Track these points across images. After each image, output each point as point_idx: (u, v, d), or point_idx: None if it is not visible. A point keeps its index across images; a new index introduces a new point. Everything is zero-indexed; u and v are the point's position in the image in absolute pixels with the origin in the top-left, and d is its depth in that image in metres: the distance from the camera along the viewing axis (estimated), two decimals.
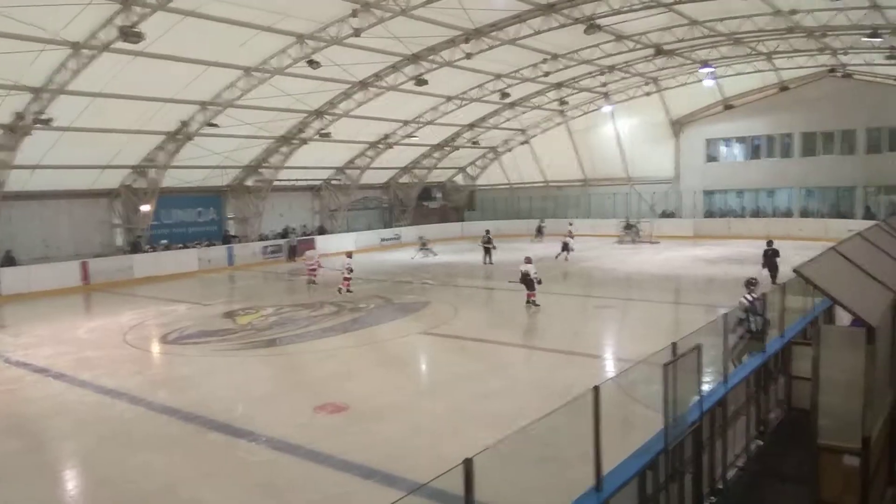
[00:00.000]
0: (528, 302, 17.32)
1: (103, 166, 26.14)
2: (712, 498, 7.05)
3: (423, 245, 32.37)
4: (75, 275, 24.77)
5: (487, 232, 29.62)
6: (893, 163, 31.20)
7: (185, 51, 20.24)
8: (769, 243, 19.48)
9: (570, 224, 32.69)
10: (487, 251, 28.39)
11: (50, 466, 8.72)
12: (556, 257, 27.46)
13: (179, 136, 25.84)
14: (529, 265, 17.40)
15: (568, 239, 28.68)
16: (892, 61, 25.22)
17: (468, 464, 4.55)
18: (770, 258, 19.15)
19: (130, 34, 16.85)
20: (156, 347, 15.60)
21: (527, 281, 17.27)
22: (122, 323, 17.97)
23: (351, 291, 20.68)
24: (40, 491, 7.91)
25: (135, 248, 27.70)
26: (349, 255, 22.36)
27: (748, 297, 9.54)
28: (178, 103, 23.98)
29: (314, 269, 23.56)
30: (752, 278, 10.37)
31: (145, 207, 27.77)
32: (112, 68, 19.88)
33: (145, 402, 10.90)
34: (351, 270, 21.24)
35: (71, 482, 8.49)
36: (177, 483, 7.81)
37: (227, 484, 7.84)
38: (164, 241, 29.55)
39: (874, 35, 21.73)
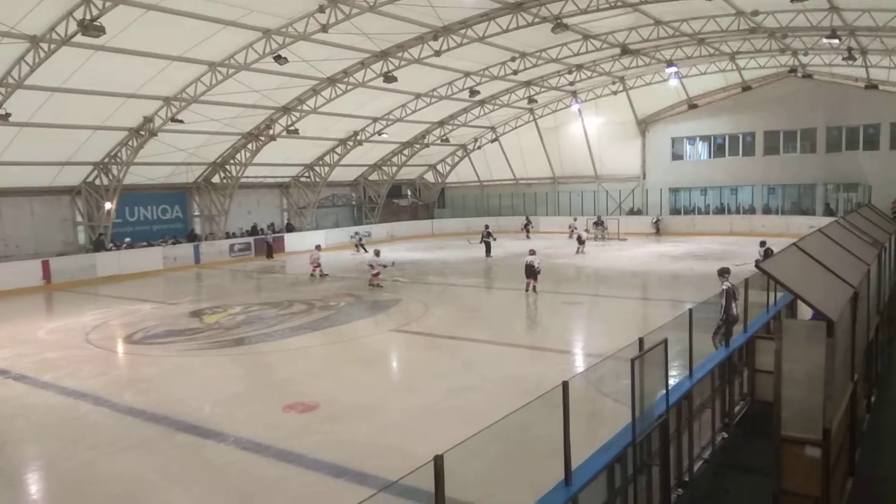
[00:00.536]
0: (528, 289, 18.96)
1: (64, 163, 25.50)
2: (679, 490, 7.18)
3: (359, 242, 32.77)
4: (36, 274, 24.11)
5: (487, 227, 30.48)
6: (852, 161, 32.13)
7: (147, 45, 19.84)
8: (762, 244, 19.15)
9: (575, 220, 35.02)
10: (488, 246, 29.10)
11: (12, 471, 8.48)
12: (577, 251, 29.24)
13: (143, 132, 25.32)
14: (534, 256, 19.19)
15: (582, 232, 30.84)
16: (850, 62, 25.92)
17: (438, 460, 4.56)
18: (769, 256, 19.31)
19: (91, 28, 16.44)
20: (120, 348, 15.27)
21: (532, 271, 18.98)
22: (84, 323, 17.55)
23: (381, 286, 21.38)
24: (2, 495, 7.69)
25: (98, 246, 27.07)
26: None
27: (728, 283, 9.97)
28: (142, 99, 23.49)
29: (318, 266, 24.48)
30: (725, 267, 10.69)
31: (108, 205, 27.16)
32: (72, 63, 19.38)
33: (110, 404, 10.67)
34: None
35: (34, 486, 8.27)
36: (143, 486, 7.67)
37: (195, 486, 7.73)
38: (128, 240, 28.95)
39: (833, 36, 22.30)
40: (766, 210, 35.66)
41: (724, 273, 10.42)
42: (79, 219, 27.96)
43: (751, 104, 34.63)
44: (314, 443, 8.61)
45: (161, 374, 12.62)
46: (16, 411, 10.53)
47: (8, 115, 19.95)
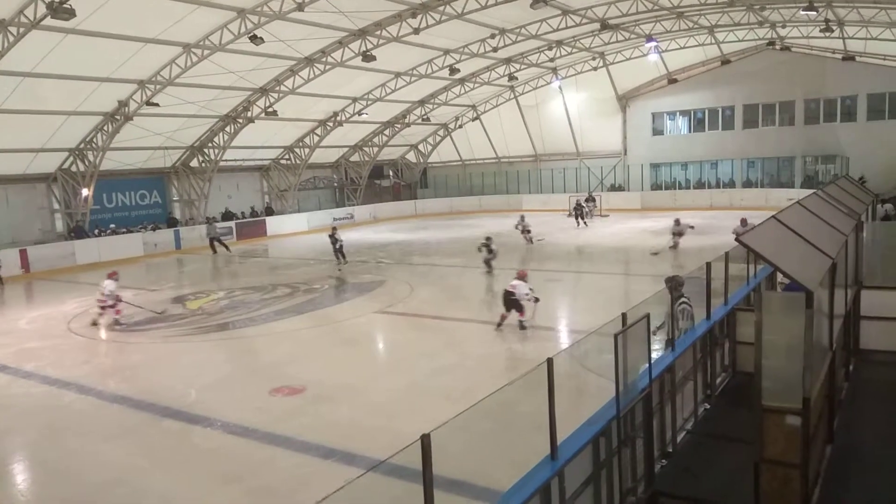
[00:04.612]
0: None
1: (38, 150, 24.99)
2: (663, 461, 7.30)
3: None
4: (14, 263, 23.73)
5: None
6: (829, 133, 32.43)
7: (120, 28, 19.40)
8: (743, 222, 18.52)
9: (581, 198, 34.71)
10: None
11: None
12: (579, 226, 30.00)
13: (118, 116, 24.87)
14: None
15: (583, 203, 31.99)
16: (827, 34, 26.04)
17: (425, 439, 4.59)
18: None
19: (60, 10, 16.05)
20: (103, 335, 15.14)
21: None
22: (65, 311, 17.36)
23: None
24: None
25: (78, 233, 26.68)
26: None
27: (686, 299, 8.35)
28: (115, 82, 23.03)
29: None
30: (679, 281, 8.75)
31: (85, 192, 26.73)
32: (43, 47, 18.93)
33: (95, 392, 10.61)
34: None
35: (20, 476, 8.23)
36: (130, 473, 7.65)
37: (182, 471, 7.73)
38: (112, 226, 28.50)
39: (810, 8, 22.37)
40: (746, 183, 35.93)
41: (677, 286, 8.49)
42: (56, 206, 27.50)
43: (730, 78, 34.74)
44: (301, 425, 8.63)
45: (145, 361, 12.55)
46: (0, 401, 10.44)
47: None
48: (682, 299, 8.29)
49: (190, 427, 8.96)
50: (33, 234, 26.46)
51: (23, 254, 24.12)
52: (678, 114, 37.99)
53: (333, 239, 22.55)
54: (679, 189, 37.81)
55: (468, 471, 6.56)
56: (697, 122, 37.41)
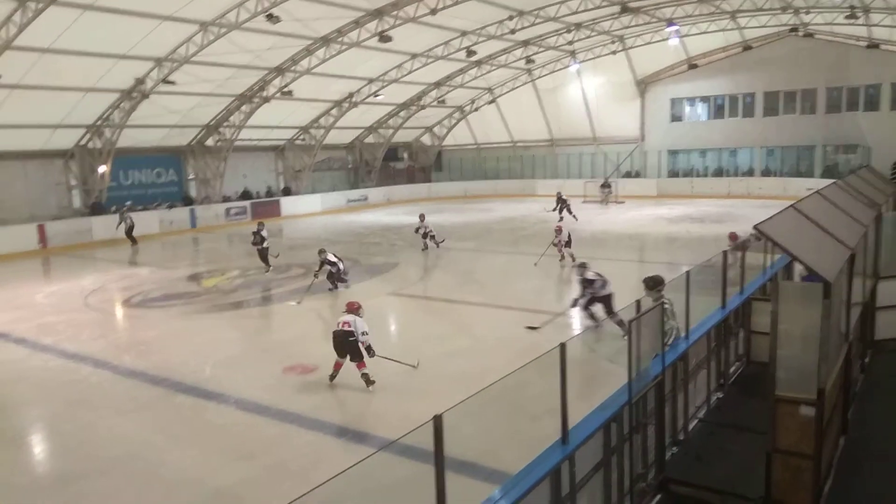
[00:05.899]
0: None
1: (56, 125, 25.16)
2: (674, 448, 7.31)
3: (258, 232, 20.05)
4: (32, 238, 24.02)
5: (422, 218, 22.67)
6: (851, 122, 31.89)
7: (137, 4, 19.38)
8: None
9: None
10: (565, 208, 26.95)
11: (14, 433, 8.58)
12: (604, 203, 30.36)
13: (135, 94, 24.94)
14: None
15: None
16: (852, 21, 25.51)
17: (438, 420, 4.61)
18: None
19: None
20: (119, 311, 15.32)
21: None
22: (82, 286, 17.57)
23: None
24: (4, 457, 7.79)
25: (95, 209, 26.88)
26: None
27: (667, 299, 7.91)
28: (133, 59, 23.05)
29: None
30: (660, 282, 8.42)
31: (102, 168, 26.91)
32: (61, 22, 18.95)
33: (110, 367, 10.75)
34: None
35: (37, 447, 8.39)
36: (145, 447, 7.76)
37: (196, 446, 7.82)
38: (129, 203, 28.64)
39: None
40: (765, 172, 35.48)
41: (657, 286, 8.31)
42: (73, 182, 27.72)
43: (751, 64, 34.20)
44: (314, 403, 8.69)
45: (160, 337, 12.68)
46: (17, 375, 10.60)
47: None
48: (663, 300, 7.72)
49: (203, 403, 9.07)
50: (50, 210, 26.70)
51: (41, 228, 24.39)
52: (698, 100, 37.49)
53: (259, 237, 18.32)
54: (697, 177, 37.42)
55: (479, 453, 6.58)
56: (717, 108, 36.91)
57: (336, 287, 15.48)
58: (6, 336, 12.84)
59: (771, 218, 6.83)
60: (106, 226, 26.19)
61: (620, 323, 10.03)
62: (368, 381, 8.99)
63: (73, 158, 27.24)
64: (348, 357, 9.01)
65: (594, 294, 11.08)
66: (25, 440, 8.54)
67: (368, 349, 8.91)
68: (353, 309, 9.17)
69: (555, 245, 17.87)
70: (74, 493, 6.74)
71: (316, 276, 15.27)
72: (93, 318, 14.37)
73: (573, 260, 16.57)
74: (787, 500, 5.79)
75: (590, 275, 11.21)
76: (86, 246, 24.94)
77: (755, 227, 6.30)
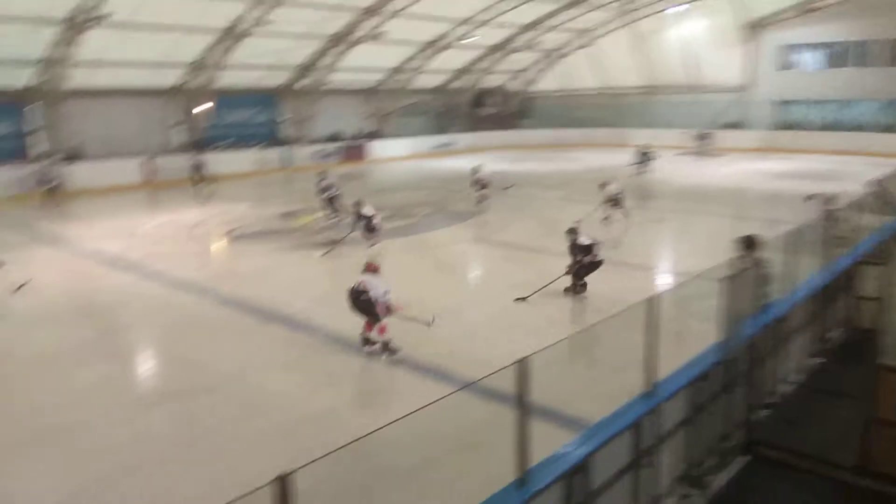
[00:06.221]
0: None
1: (160, 63, 26.28)
2: (765, 411, 7.09)
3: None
4: (138, 172, 25.49)
5: (475, 170, 20.30)
6: None
7: None
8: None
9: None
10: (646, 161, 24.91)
11: (126, 348, 9.41)
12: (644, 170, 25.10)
13: (236, 31, 25.59)
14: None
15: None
16: None
17: (522, 364, 4.66)
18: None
19: None
20: (220, 244, 16.22)
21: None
22: (187, 219, 18.64)
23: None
24: (117, 369, 8.54)
25: (199, 146, 28.04)
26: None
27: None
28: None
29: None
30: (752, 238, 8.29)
31: (205, 106, 27.99)
32: None
33: (212, 294, 11.46)
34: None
35: (148, 362, 9.15)
36: (246, 368, 8.31)
37: (291, 372, 8.28)
38: (230, 139, 29.75)
39: None
40: (887, 128, 32.44)
41: (752, 247, 8.02)
42: (178, 119, 28.97)
43: (877, 7, 31.00)
44: (397, 341, 8.94)
45: (256, 270, 13.33)
46: (127, 297, 11.47)
47: (108, 15, 20.65)
48: (760, 262, 7.53)
49: (293, 334, 9.55)
50: (155, 146, 28.13)
51: (149, 163, 25.79)
52: (812, 47, 34.53)
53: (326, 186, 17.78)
54: (806, 130, 34.78)
55: (559, 400, 6.61)
56: (835, 56, 33.84)
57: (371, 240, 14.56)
58: (117, 262, 13.86)
59: (888, 176, 6.32)
60: (206, 163, 27.32)
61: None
62: (387, 349, 8.45)
63: (175, 96, 28.44)
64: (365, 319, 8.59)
65: (593, 260, 10.55)
66: (136, 356, 9.32)
67: (388, 308, 8.51)
68: (372, 269, 8.95)
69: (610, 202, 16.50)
70: (179, 409, 7.30)
71: (352, 230, 14.69)
72: (196, 249, 15.32)
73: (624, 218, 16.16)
74: (885, 470, 5.54)
75: (584, 239, 10.62)
76: (188, 181, 26.19)
77: (869, 186, 5.86)
